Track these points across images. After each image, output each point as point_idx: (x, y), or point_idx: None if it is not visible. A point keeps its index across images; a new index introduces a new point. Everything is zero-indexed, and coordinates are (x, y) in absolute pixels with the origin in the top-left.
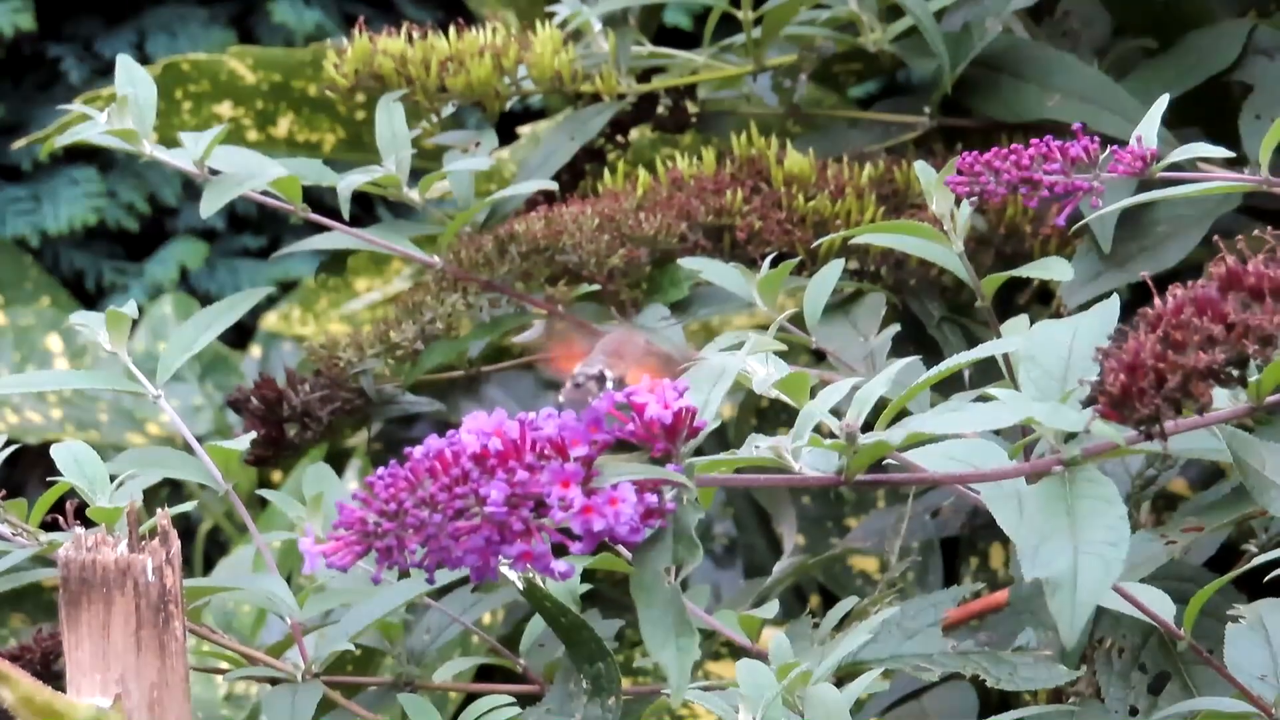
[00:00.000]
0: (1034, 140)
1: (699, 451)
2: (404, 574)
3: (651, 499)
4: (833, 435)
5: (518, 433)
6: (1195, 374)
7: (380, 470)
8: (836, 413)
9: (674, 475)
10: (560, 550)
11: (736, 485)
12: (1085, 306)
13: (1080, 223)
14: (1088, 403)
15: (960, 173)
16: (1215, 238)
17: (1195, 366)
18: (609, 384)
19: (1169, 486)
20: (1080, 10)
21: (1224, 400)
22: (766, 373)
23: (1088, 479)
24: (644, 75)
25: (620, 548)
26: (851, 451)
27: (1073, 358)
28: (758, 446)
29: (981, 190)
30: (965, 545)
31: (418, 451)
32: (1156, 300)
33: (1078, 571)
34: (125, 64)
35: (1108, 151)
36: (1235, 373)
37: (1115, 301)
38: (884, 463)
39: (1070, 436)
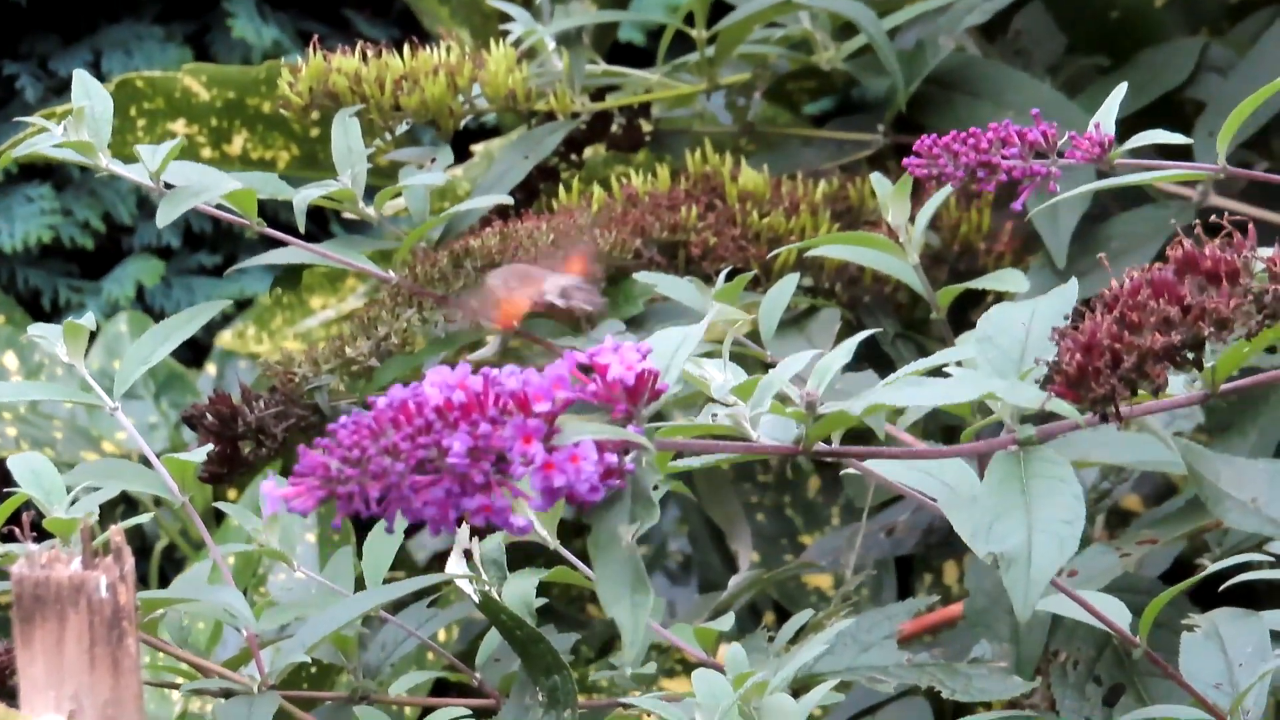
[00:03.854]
0: (993, 125)
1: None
2: (362, 522)
3: (611, 459)
4: (792, 403)
5: (481, 386)
6: (1151, 355)
7: (344, 418)
8: (797, 384)
9: (635, 436)
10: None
11: (695, 450)
12: None
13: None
14: (1044, 383)
15: (918, 155)
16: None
17: (1151, 347)
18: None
19: (1122, 503)
20: (1033, 28)
21: (1179, 387)
22: (724, 379)
23: (1043, 458)
24: (598, 94)
25: (580, 562)
26: (811, 420)
27: (1030, 338)
28: (715, 415)
29: (940, 173)
30: (919, 563)
31: (381, 401)
32: (1114, 282)
33: (1032, 547)
34: (81, 78)
35: (1065, 138)
36: (1191, 355)
37: (1074, 284)
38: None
39: (1026, 417)
